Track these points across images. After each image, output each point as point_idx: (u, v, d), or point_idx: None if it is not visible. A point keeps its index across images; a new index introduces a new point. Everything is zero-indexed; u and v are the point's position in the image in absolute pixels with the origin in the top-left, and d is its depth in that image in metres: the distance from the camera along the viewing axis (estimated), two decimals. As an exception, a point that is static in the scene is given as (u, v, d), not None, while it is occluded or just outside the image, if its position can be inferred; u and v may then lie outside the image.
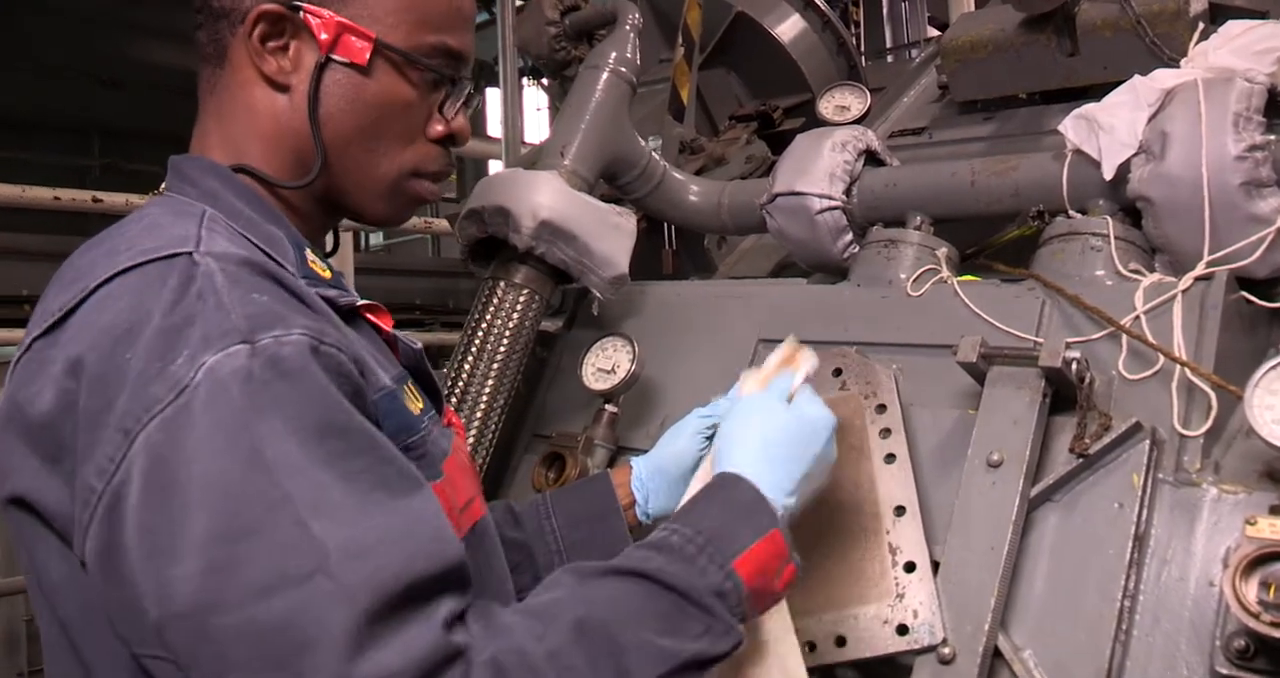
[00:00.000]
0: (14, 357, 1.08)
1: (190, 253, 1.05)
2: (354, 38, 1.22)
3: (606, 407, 2.00)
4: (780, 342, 1.96)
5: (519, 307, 2.00)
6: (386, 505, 0.97)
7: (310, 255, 1.22)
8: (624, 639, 1.02)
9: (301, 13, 1.21)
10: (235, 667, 0.90)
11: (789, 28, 3.63)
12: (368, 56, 1.22)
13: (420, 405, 1.26)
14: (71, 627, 1.06)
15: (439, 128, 1.32)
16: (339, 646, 0.88)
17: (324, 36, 1.21)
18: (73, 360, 1.01)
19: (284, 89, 1.23)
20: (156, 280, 1.03)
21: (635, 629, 1.03)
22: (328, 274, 1.23)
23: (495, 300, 2.00)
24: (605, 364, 2.00)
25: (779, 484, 1.27)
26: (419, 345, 1.31)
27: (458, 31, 1.31)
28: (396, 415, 1.16)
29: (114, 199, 3.66)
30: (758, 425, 1.35)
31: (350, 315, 1.23)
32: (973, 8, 4.06)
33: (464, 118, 1.35)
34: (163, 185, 1.28)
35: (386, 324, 1.28)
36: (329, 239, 1.40)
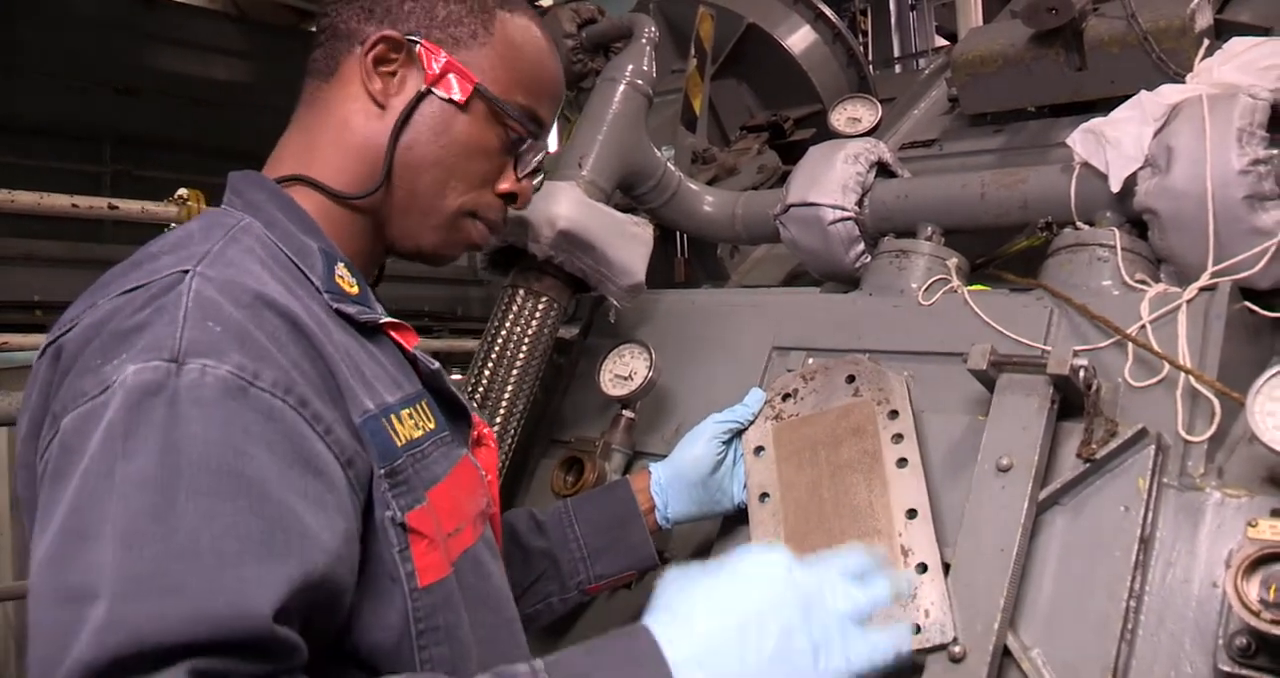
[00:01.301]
0: (35, 358, 1.14)
1: (186, 271, 1.09)
2: (458, 78, 1.32)
3: (624, 412, 2.03)
4: (795, 349, 2.01)
5: (538, 314, 2.04)
6: (212, 559, 0.92)
7: (340, 271, 1.26)
8: None
9: (418, 46, 1.32)
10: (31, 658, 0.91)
11: (800, 39, 3.67)
12: (466, 98, 1.33)
13: (431, 425, 1.28)
14: None
15: (506, 185, 1.41)
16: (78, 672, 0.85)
17: (433, 71, 1.32)
18: (57, 361, 1.08)
19: (381, 108, 1.32)
20: (140, 295, 1.07)
21: None
22: (354, 290, 1.27)
23: (515, 308, 2.04)
24: (623, 371, 2.04)
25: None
26: (436, 365, 1.34)
27: (547, 104, 1.43)
28: (377, 441, 1.16)
29: (129, 206, 3.69)
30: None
31: (371, 332, 1.27)
32: (980, 18, 4.08)
33: (529, 183, 1.44)
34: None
35: (409, 342, 1.31)
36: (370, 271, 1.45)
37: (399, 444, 1.19)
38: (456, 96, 1.33)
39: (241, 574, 0.92)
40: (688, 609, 1.00)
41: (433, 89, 1.32)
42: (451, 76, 1.33)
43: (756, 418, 1.82)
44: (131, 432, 0.96)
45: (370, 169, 1.32)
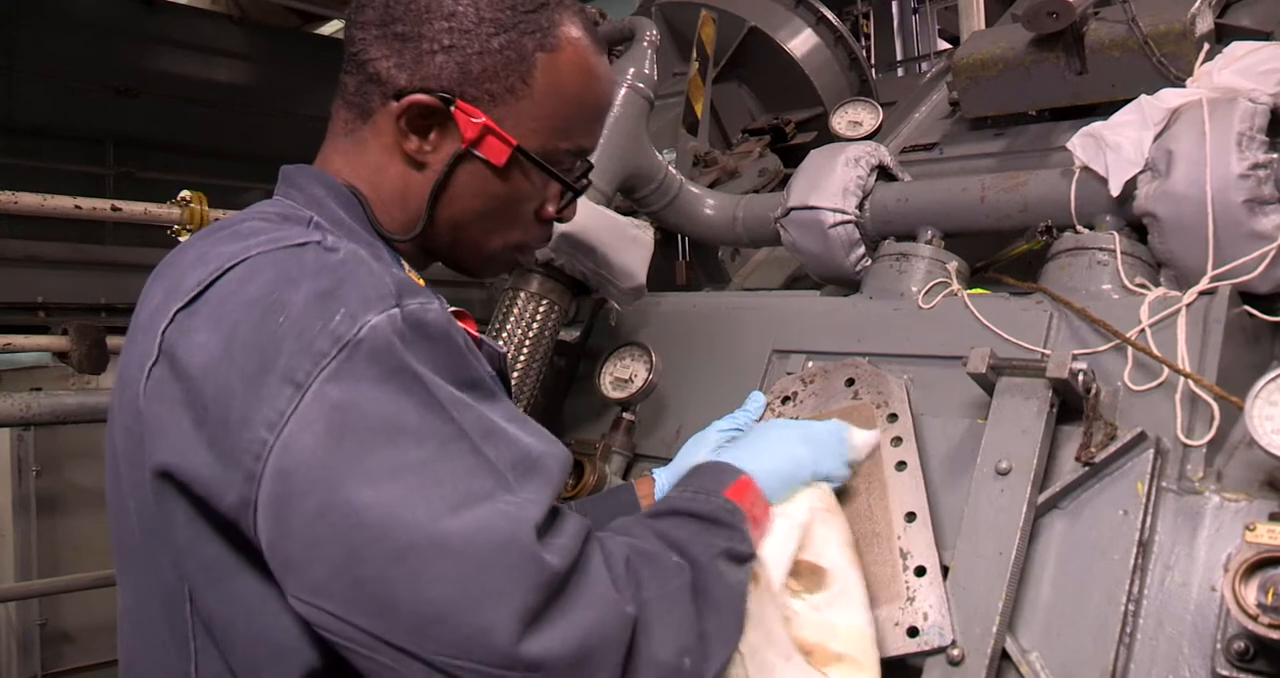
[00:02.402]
0: (160, 326, 1.12)
1: (319, 241, 1.13)
2: (496, 139, 1.28)
3: (624, 415, 2.03)
4: (795, 352, 2.01)
5: (539, 316, 2.04)
6: (528, 429, 1.13)
7: (406, 266, 1.29)
8: (681, 539, 1.20)
9: (453, 107, 1.26)
10: (437, 579, 0.97)
11: (801, 42, 3.68)
12: (505, 159, 1.29)
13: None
14: (195, 582, 1.12)
15: (551, 210, 1.39)
16: (533, 540, 1.00)
17: (470, 135, 1.27)
18: (224, 331, 1.07)
19: (419, 166, 1.30)
20: (294, 259, 1.11)
21: (686, 534, 1.22)
22: (421, 283, 1.28)
23: (516, 310, 2.04)
24: (623, 373, 2.04)
25: (750, 465, 1.41)
26: (504, 349, 1.37)
27: (595, 132, 1.40)
28: None
29: (132, 208, 3.70)
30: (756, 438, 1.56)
31: None
32: (982, 21, 4.09)
33: (575, 202, 1.43)
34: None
35: (472, 329, 1.33)
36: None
37: None
38: (495, 159, 1.29)
39: (547, 443, 1.14)
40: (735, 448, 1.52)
41: (471, 150, 1.28)
42: (490, 137, 1.28)
43: (758, 422, 1.82)
44: (415, 368, 1.05)
45: (412, 216, 1.32)
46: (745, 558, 1.27)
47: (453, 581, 0.97)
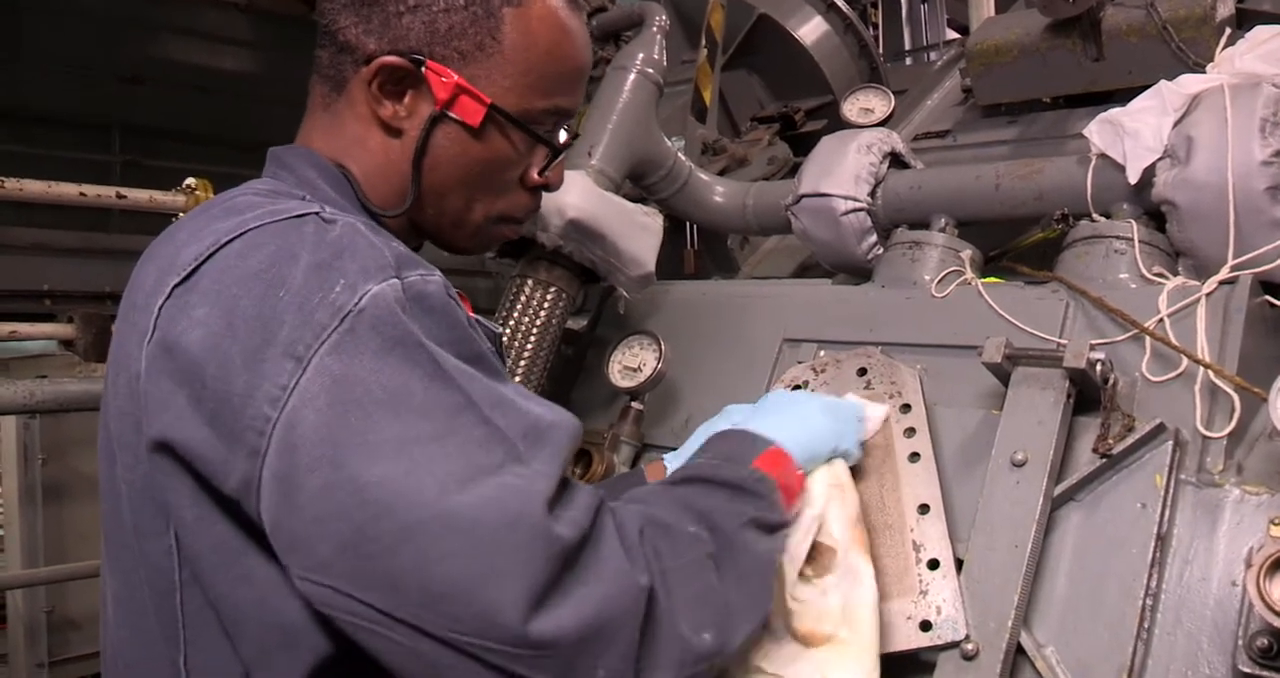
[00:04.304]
0: (157, 303, 1.10)
1: (317, 213, 1.12)
2: (470, 98, 1.26)
3: (632, 404, 2.01)
4: (806, 342, 1.99)
5: (546, 304, 2.02)
6: (536, 401, 1.10)
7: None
8: (706, 507, 1.19)
9: (424, 68, 1.24)
10: (445, 556, 0.95)
11: (811, 30, 3.65)
12: (480, 119, 1.26)
13: None
14: (202, 564, 1.10)
15: (535, 178, 1.36)
16: (544, 515, 0.99)
17: (442, 95, 1.25)
18: (225, 305, 1.05)
19: (396, 133, 1.28)
20: (293, 230, 1.09)
21: (710, 503, 1.20)
22: None
23: (523, 298, 2.02)
24: (632, 362, 2.02)
25: (778, 434, 1.38)
26: (500, 330, 1.35)
27: (573, 92, 1.35)
28: None
29: (137, 195, 3.69)
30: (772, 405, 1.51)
31: None
32: (992, 10, 4.06)
33: (559, 167, 1.39)
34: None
35: (468, 310, 1.31)
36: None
37: None
38: (470, 119, 1.26)
39: (556, 413, 1.11)
40: (759, 416, 1.45)
41: (445, 112, 1.26)
42: (464, 96, 1.25)
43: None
44: (418, 339, 1.03)
45: (397, 189, 1.30)
46: (775, 527, 1.25)
47: (461, 558, 0.95)
